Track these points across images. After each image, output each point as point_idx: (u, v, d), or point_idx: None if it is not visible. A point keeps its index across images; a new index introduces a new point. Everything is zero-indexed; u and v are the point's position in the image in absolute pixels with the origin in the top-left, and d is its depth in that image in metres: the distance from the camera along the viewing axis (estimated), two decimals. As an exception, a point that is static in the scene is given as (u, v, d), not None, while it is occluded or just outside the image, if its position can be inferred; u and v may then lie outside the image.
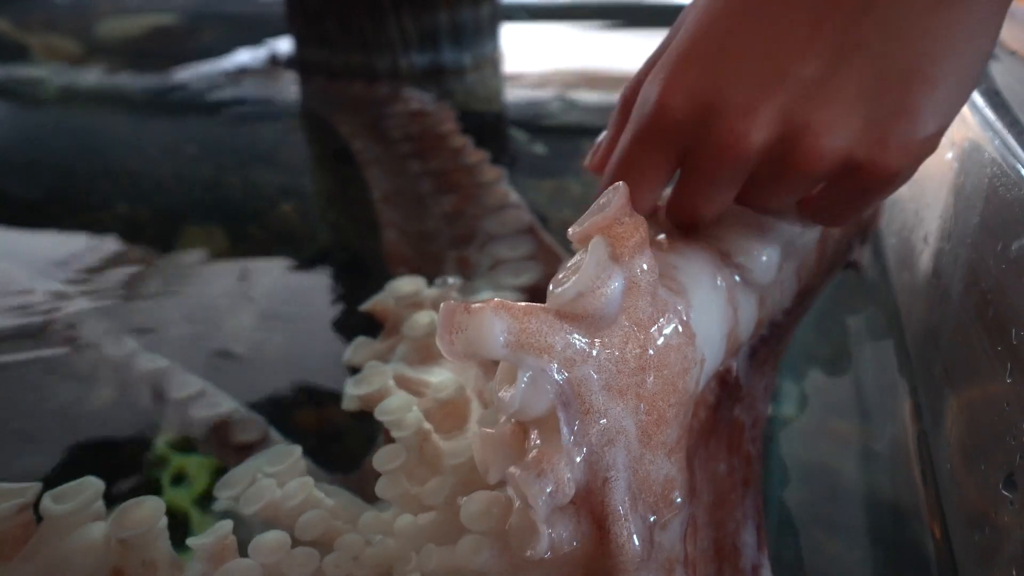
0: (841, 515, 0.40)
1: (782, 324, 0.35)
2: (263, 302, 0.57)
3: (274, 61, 1.10)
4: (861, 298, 0.53)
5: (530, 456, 0.21)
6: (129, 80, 1.09)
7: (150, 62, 1.15)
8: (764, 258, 0.27)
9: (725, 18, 0.26)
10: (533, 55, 1.14)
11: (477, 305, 0.21)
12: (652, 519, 0.23)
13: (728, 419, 0.30)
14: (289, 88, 1.04)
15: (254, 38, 1.20)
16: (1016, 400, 0.28)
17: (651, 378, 0.22)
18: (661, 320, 0.23)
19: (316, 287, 0.61)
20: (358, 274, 0.63)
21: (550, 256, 0.49)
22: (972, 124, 0.38)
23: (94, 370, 0.46)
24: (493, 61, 1.06)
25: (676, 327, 0.23)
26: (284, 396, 0.48)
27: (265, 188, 0.78)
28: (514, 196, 0.59)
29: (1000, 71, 0.40)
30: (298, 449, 0.31)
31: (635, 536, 0.22)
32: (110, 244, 0.65)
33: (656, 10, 1.40)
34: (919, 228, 0.44)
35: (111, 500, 0.28)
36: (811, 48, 0.25)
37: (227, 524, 0.27)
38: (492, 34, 1.06)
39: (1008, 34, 0.45)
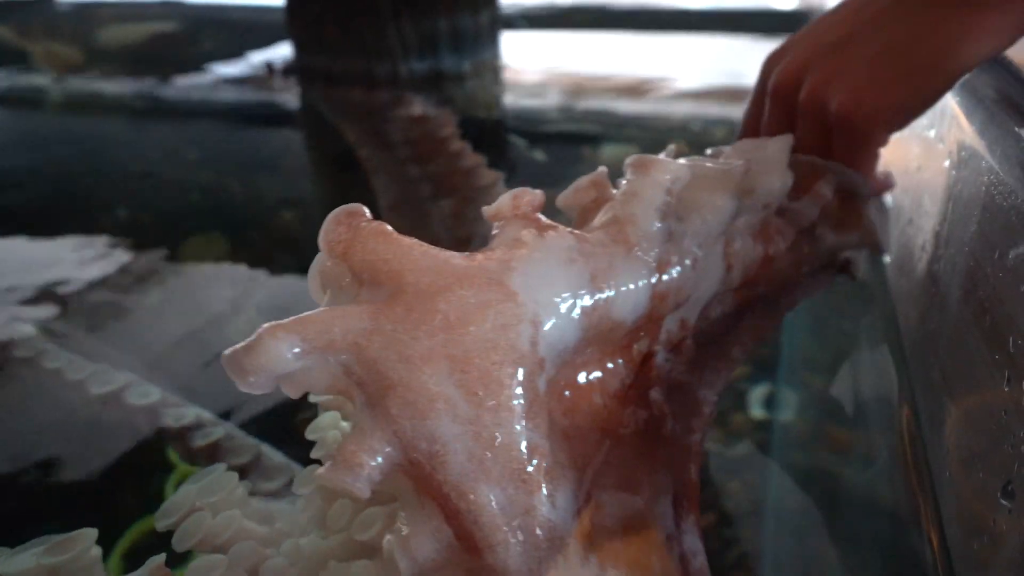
0: (839, 522, 0.40)
1: (725, 322, 0.33)
2: (264, 308, 0.57)
3: (270, 70, 1.10)
4: (859, 305, 0.53)
5: (337, 452, 0.20)
6: (130, 86, 1.09)
7: (151, 68, 1.16)
8: (647, 223, 0.26)
9: (818, 22, 0.41)
10: (533, 62, 1.15)
11: (251, 340, 0.20)
12: (518, 490, 0.21)
13: (648, 405, 0.28)
14: (289, 94, 1.05)
15: (254, 44, 1.21)
16: (1014, 408, 0.28)
17: (457, 337, 0.21)
18: (455, 286, 0.22)
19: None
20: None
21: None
22: (969, 132, 0.38)
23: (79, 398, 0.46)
24: (493, 68, 1.07)
25: (479, 288, 0.22)
26: (284, 403, 0.48)
27: (266, 194, 0.78)
28: None
29: (997, 80, 0.40)
30: (234, 477, 0.30)
31: (493, 505, 0.20)
32: (111, 250, 0.65)
33: (658, 15, 1.41)
34: (917, 236, 0.44)
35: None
36: (846, 27, 0.38)
37: (159, 557, 0.27)
38: (492, 41, 1.07)
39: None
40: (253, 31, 1.30)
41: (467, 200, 0.63)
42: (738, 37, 1.29)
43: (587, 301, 0.23)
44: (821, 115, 0.38)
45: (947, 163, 0.40)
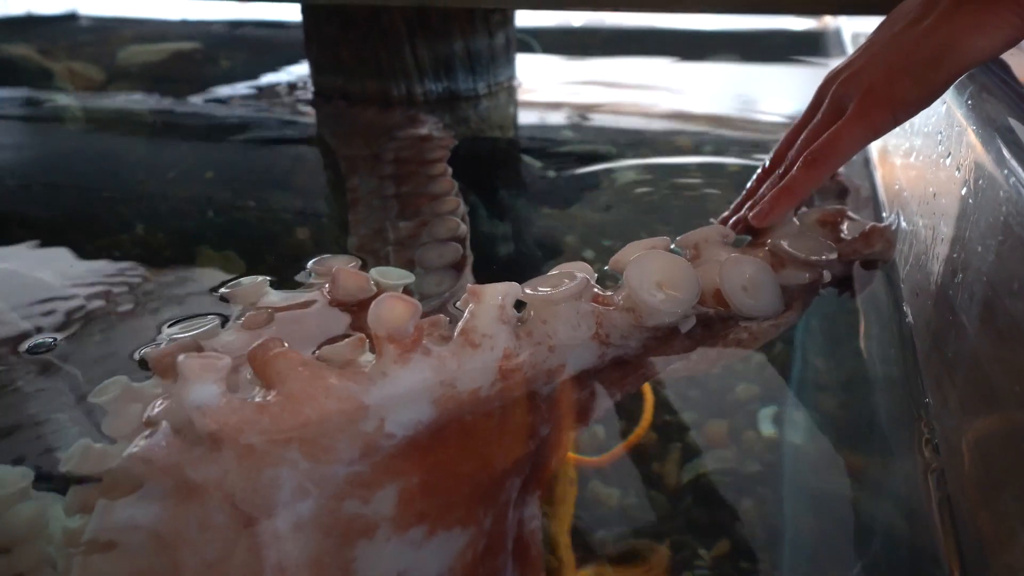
0: (855, 550, 0.40)
1: (630, 357, 0.40)
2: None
3: (291, 89, 1.11)
4: (874, 327, 0.53)
5: None
6: (149, 105, 1.11)
7: (170, 87, 1.18)
8: (486, 327, 0.35)
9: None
10: (548, 83, 1.16)
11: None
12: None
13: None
14: (306, 113, 1.06)
15: (273, 64, 1.22)
16: (1034, 439, 0.28)
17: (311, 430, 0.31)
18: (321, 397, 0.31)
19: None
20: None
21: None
22: (986, 159, 0.38)
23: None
24: (508, 89, 1.08)
25: (339, 401, 0.32)
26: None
27: (281, 213, 0.79)
28: (463, 228, 0.62)
29: (1013, 107, 0.40)
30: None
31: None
32: (126, 266, 0.66)
33: (671, 37, 1.42)
34: (933, 262, 0.44)
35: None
36: (878, 33, 0.45)
37: None
38: (507, 62, 1.07)
39: (1022, 72, 0.45)
40: (272, 51, 1.32)
41: (423, 224, 0.64)
42: (752, 64, 1.30)
43: (436, 393, 0.33)
44: (840, 107, 0.43)
45: (964, 191, 0.40)
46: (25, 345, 0.53)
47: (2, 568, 0.32)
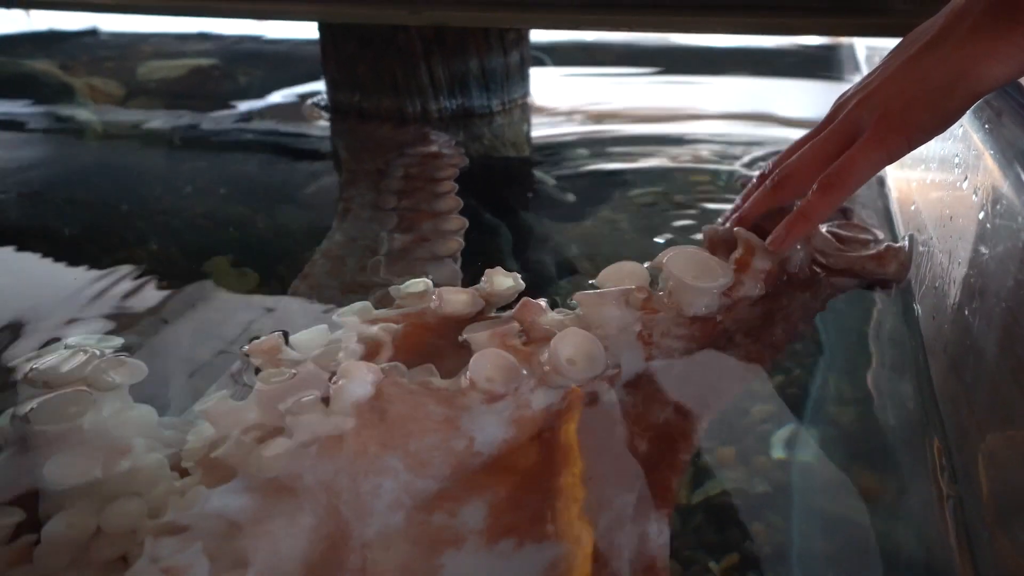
0: (869, 574, 0.39)
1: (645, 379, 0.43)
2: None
3: (316, 106, 1.12)
4: (889, 349, 0.53)
5: None
6: (167, 120, 1.12)
7: (188, 103, 1.19)
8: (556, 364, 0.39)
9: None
10: (562, 99, 1.16)
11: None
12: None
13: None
14: (322, 129, 1.07)
15: (290, 80, 1.24)
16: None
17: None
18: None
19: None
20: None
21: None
22: (1004, 185, 0.38)
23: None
24: (522, 106, 1.08)
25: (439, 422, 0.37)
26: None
27: (295, 228, 0.79)
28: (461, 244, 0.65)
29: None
30: None
31: None
32: (142, 281, 0.66)
33: (684, 53, 1.42)
34: (949, 286, 0.44)
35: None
36: (893, 58, 0.44)
37: None
38: (522, 80, 1.08)
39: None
40: (289, 67, 1.33)
41: (421, 240, 0.66)
42: (766, 78, 1.30)
43: (515, 414, 0.38)
44: (853, 130, 0.44)
45: (981, 215, 0.40)
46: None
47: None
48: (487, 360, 0.39)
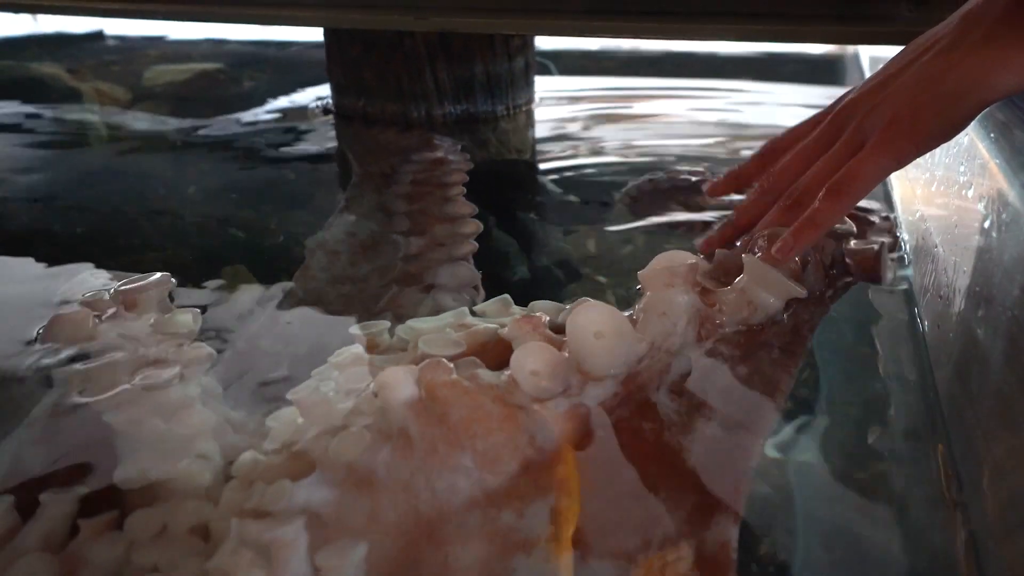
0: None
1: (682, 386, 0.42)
2: (303, 350, 0.57)
3: (325, 111, 1.13)
4: (892, 357, 0.53)
5: None
6: (174, 124, 1.12)
7: (194, 107, 1.19)
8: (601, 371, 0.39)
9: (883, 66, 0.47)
10: (566, 105, 1.16)
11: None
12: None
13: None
14: (327, 134, 1.07)
15: (295, 85, 1.24)
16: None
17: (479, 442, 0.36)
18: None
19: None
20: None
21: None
22: (1011, 193, 0.38)
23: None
24: (527, 112, 1.08)
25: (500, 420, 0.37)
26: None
27: (302, 232, 0.80)
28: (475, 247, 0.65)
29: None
30: None
31: None
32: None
33: (688, 60, 1.43)
34: (954, 294, 0.44)
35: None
36: (896, 65, 0.45)
37: None
38: (527, 85, 1.08)
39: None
40: (295, 72, 1.34)
41: (436, 244, 0.66)
42: (771, 84, 1.30)
43: (564, 406, 0.38)
44: (861, 134, 0.44)
45: (987, 223, 0.40)
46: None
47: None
48: (530, 354, 0.38)
